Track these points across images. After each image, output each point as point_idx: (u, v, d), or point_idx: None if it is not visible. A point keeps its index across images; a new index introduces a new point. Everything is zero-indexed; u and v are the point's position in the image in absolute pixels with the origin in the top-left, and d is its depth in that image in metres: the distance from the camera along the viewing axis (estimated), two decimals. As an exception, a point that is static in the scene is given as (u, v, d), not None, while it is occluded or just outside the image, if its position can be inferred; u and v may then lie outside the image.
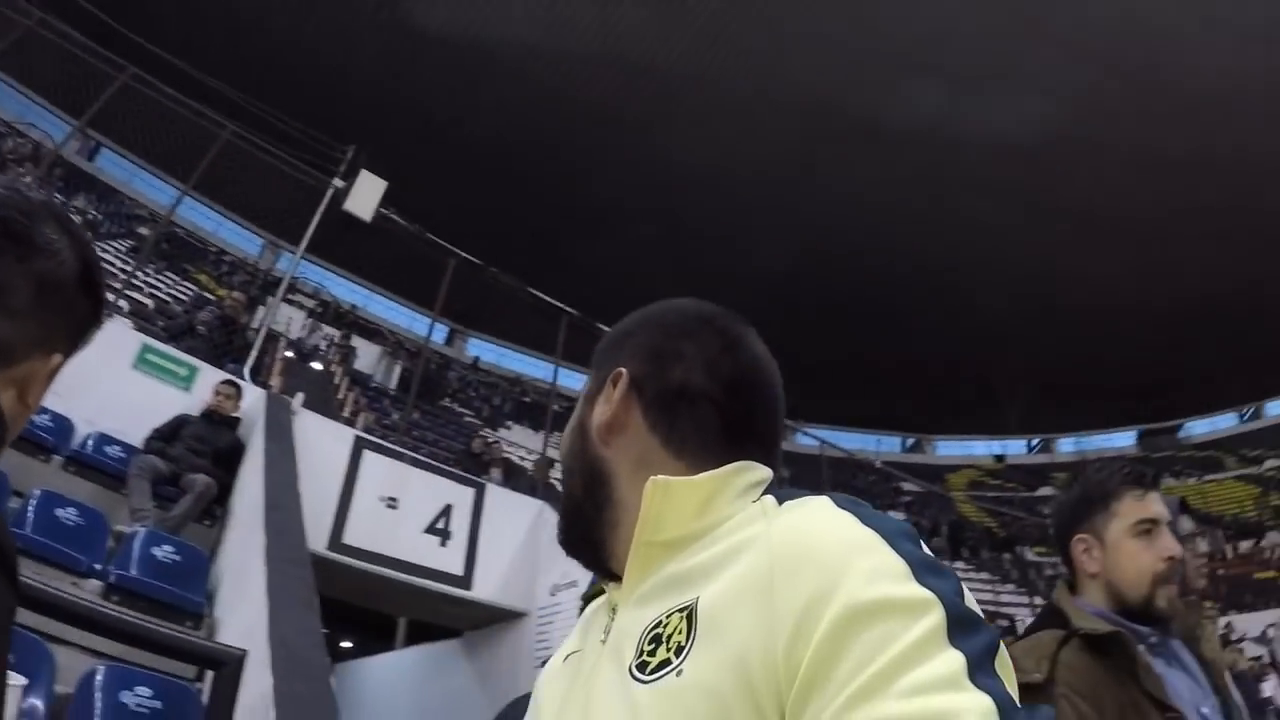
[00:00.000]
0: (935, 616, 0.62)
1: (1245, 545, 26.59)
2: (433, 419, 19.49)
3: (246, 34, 25.11)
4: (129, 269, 14.20)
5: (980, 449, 39.69)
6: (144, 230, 19.68)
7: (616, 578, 0.90)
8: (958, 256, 31.74)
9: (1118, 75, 26.90)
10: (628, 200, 30.01)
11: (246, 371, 7.77)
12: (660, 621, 0.77)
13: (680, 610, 0.75)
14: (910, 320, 33.70)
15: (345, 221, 9.74)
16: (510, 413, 26.70)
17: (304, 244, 8.83)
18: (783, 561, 0.70)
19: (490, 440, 12.02)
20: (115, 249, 17.49)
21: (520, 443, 18.83)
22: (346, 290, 28.42)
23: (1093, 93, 27.25)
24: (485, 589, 7.96)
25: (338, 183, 9.35)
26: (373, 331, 25.72)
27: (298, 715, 3.34)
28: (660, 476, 0.84)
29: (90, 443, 6.09)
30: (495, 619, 8.36)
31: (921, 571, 0.66)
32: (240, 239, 27.43)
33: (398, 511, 7.73)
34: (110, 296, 7.90)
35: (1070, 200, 29.63)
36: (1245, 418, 36.27)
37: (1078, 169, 28.86)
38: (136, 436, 6.30)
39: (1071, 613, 1.82)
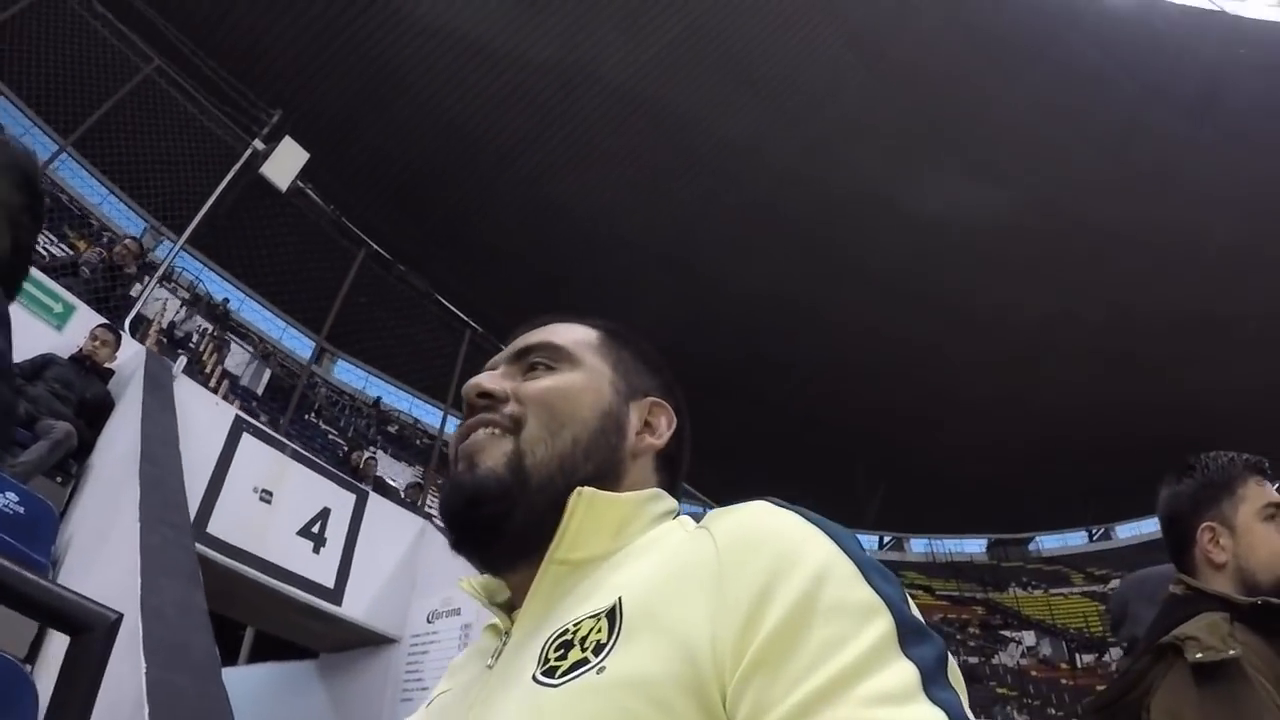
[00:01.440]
0: (886, 622, 0.62)
1: (1089, 659, 27.53)
2: (299, 429, 18.44)
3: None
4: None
5: (832, 542, 40.38)
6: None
7: (502, 601, 0.90)
8: (828, 346, 32.25)
9: (1023, 201, 28.05)
10: (511, 243, 29.39)
11: (127, 324, 6.87)
12: (567, 629, 0.73)
13: (594, 615, 0.72)
14: (777, 403, 33.94)
15: (244, 200, 8.97)
16: (374, 438, 25.60)
17: (208, 204, 7.92)
18: (732, 552, 0.69)
19: (366, 455, 11.17)
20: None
21: (385, 469, 17.95)
22: (222, 289, 26.82)
23: (992, 210, 28.32)
24: (356, 607, 7.10)
25: (258, 144, 8.58)
26: (243, 335, 24.48)
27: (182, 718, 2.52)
28: (586, 487, 0.83)
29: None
30: (362, 641, 7.44)
31: (871, 573, 0.66)
32: (123, 218, 25.59)
33: (271, 507, 6.88)
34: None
35: (951, 301, 30.64)
36: (1095, 537, 37.86)
37: (964, 273, 29.90)
38: (-5, 368, 5.38)
39: (1225, 593, 1.71)
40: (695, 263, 30.55)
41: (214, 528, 6.38)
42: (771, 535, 0.69)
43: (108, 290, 7.00)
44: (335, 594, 6.98)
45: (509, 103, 27.02)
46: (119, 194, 24.01)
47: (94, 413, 5.60)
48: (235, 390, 16.24)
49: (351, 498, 7.59)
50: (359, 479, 10.03)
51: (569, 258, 30.14)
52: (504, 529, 0.84)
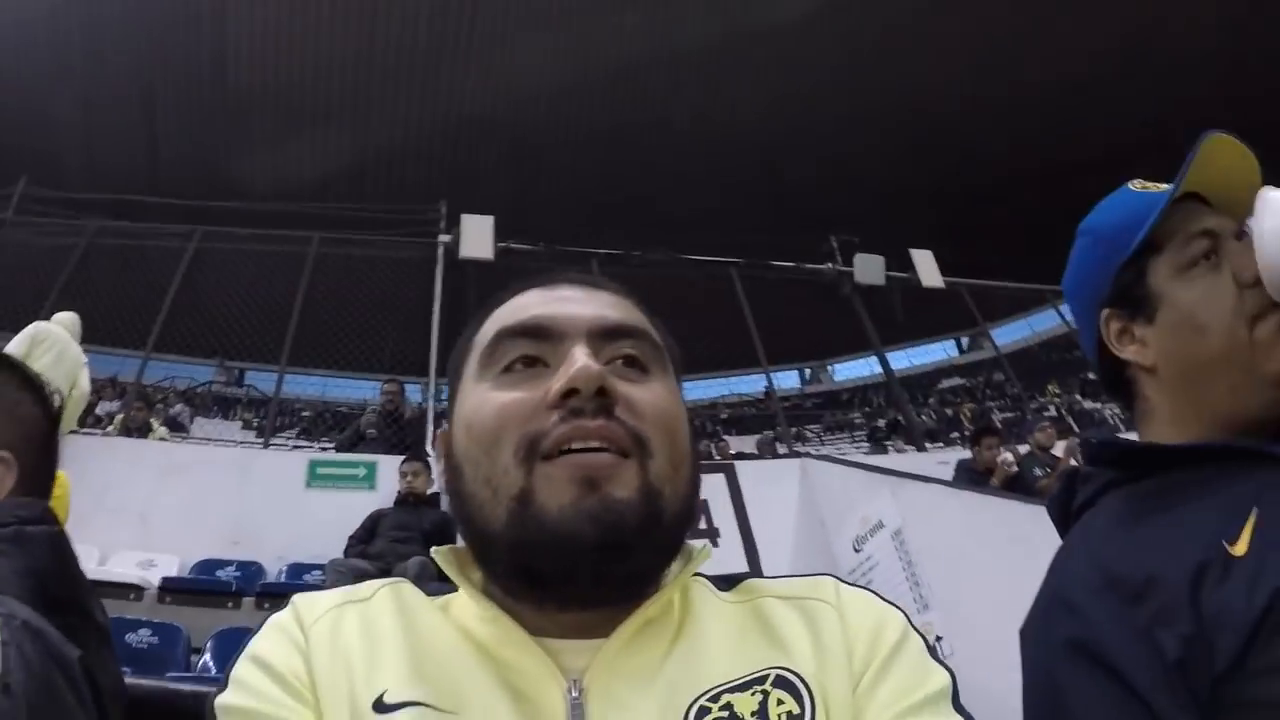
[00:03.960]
0: (945, 680, 0.70)
1: None
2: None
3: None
4: (303, 444, 14.14)
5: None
6: (306, 413, 19.96)
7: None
8: None
9: None
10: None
11: (430, 448, 7.00)
12: (704, 704, 0.66)
13: (739, 686, 0.67)
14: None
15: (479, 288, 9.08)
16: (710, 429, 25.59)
17: (436, 305, 8.05)
18: (850, 632, 0.74)
19: (715, 443, 11.06)
20: (288, 438, 17.50)
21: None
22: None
23: None
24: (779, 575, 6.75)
25: (443, 238, 8.63)
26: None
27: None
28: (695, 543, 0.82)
29: (283, 575, 5.52)
30: (805, 603, 7.08)
31: (932, 651, 0.74)
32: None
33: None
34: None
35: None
36: None
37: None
38: (337, 553, 5.60)
39: None
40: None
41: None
42: (877, 614, 0.76)
43: (398, 435, 7.18)
44: (755, 575, 6.65)
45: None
46: (368, 377, 25.63)
47: (440, 538, 5.62)
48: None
49: (720, 477, 7.21)
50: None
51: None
52: (632, 578, 0.70)
